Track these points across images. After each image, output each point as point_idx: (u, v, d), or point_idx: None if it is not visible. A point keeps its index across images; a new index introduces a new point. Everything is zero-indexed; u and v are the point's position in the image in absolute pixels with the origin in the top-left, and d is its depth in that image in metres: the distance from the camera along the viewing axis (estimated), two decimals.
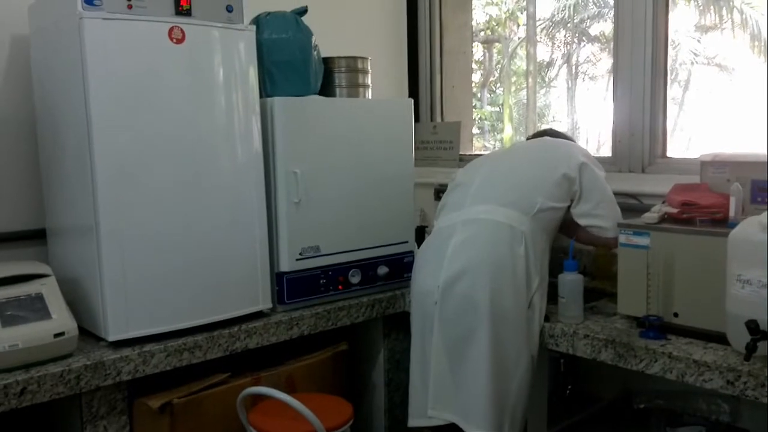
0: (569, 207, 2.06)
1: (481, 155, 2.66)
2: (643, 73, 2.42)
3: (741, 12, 10.08)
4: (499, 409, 1.88)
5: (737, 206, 1.76)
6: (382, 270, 2.39)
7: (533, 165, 2.10)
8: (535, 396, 2.16)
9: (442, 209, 2.17)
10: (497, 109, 12.01)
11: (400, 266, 2.42)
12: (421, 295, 2.03)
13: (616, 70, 2.53)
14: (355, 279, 2.33)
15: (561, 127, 11.58)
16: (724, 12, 10.25)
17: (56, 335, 1.72)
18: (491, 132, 11.28)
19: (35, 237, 2.17)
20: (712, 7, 10.32)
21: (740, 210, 1.76)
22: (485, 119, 11.36)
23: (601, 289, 2.26)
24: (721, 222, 1.78)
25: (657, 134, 2.44)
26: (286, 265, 2.18)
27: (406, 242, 2.45)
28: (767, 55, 9.33)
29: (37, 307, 1.75)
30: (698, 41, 10.76)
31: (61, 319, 1.75)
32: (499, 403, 1.88)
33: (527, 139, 2.53)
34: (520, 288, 1.91)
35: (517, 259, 1.92)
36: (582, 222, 2.06)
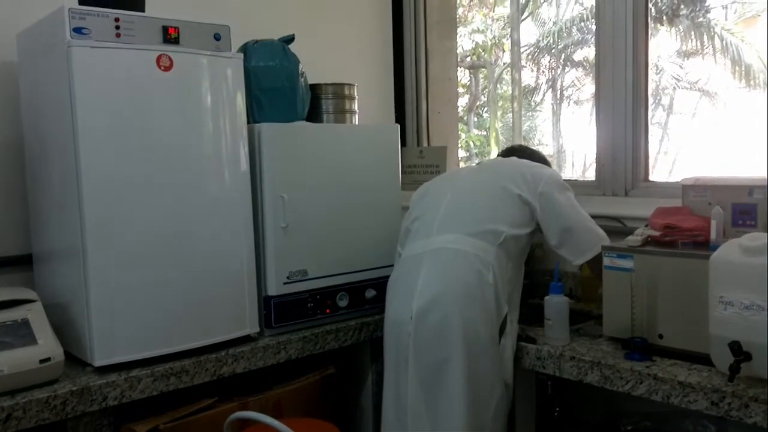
0: (533, 231, 2.08)
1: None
2: (624, 98, 2.47)
3: (721, 38, 10.26)
4: None
5: (718, 229, 1.79)
6: (370, 293, 2.40)
7: (495, 193, 2.08)
8: (522, 419, 2.16)
9: (407, 235, 2.17)
10: (484, 132, 12.11)
11: None
12: (395, 327, 2.02)
13: (598, 95, 2.58)
14: (342, 302, 2.34)
15: (547, 151, 11.72)
16: (705, 38, 10.43)
17: (42, 361, 1.71)
18: (479, 156, 11.36)
19: (22, 262, 2.17)
20: (693, 33, 10.50)
21: (721, 233, 1.79)
22: (474, 145, 11.45)
23: (587, 311, 2.28)
24: (702, 245, 1.81)
25: (639, 158, 2.48)
26: (273, 289, 2.18)
27: (393, 266, 2.46)
28: None
29: (22, 333, 1.74)
30: (681, 66, 10.94)
31: (47, 345, 1.75)
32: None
33: (498, 154, 2.53)
34: (491, 316, 1.93)
35: (486, 287, 1.93)
36: (557, 251, 2.08)
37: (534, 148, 2.62)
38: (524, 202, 2.05)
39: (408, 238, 2.15)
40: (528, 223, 2.06)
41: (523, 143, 11.68)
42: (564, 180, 2.16)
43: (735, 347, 1.54)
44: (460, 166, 3.57)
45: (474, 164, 2.65)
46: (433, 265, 1.99)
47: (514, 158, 2.30)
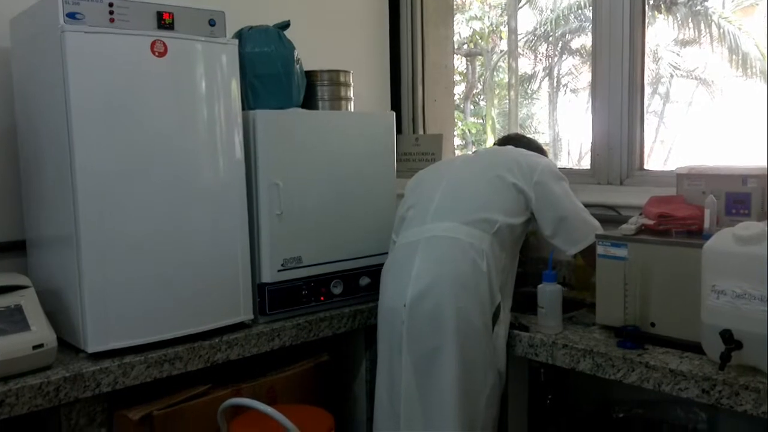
0: (528, 220, 2.08)
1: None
2: (620, 87, 2.46)
3: (719, 26, 10.24)
4: (469, 428, 1.90)
5: (712, 218, 1.79)
6: (364, 281, 2.40)
7: (490, 181, 2.08)
8: (515, 406, 2.18)
9: (401, 223, 2.17)
10: (481, 120, 12.10)
11: None
12: (389, 314, 2.03)
13: (594, 83, 2.57)
14: (336, 290, 2.34)
15: (543, 139, 11.70)
16: (702, 26, 10.41)
17: (35, 347, 1.71)
18: (475, 143, 11.36)
19: (15, 248, 2.16)
20: (690, 21, 10.48)
21: (715, 222, 1.79)
22: (471, 132, 11.43)
23: (580, 299, 2.28)
24: (696, 233, 1.81)
25: (635, 147, 2.48)
26: (267, 276, 2.18)
27: (388, 254, 2.46)
28: None
29: (16, 319, 1.74)
30: (678, 54, 10.93)
31: (40, 331, 1.74)
32: (468, 421, 1.90)
33: (494, 143, 2.54)
34: (485, 304, 1.93)
35: (480, 276, 1.94)
36: (551, 241, 2.09)
37: (530, 136, 2.62)
38: (519, 191, 2.05)
39: (402, 226, 2.15)
40: (522, 212, 2.06)
41: (519, 131, 11.69)
42: (559, 169, 2.16)
43: (726, 336, 1.55)
44: (456, 155, 3.56)
45: (470, 153, 2.66)
46: (427, 253, 2.00)
47: (510, 147, 2.30)
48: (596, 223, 2.08)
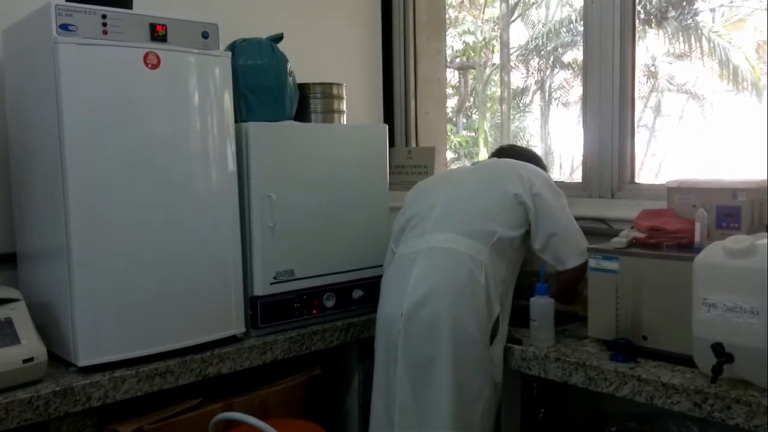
0: (527, 232, 2.09)
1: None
2: (611, 100, 2.47)
3: (709, 40, 10.32)
4: None
5: (702, 231, 1.80)
6: (357, 294, 2.40)
7: (490, 192, 2.10)
8: (508, 419, 2.17)
9: (401, 234, 2.17)
10: (473, 134, 12.14)
11: (375, 290, 2.41)
12: (386, 324, 2.03)
13: (585, 97, 2.59)
14: (329, 303, 2.33)
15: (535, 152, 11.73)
16: (692, 41, 10.49)
17: (25, 361, 1.70)
18: (467, 156, 11.39)
19: (5, 261, 2.15)
20: (681, 36, 10.56)
21: (705, 235, 1.80)
22: (463, 145, 11.47)
23: (573, 312, 2.28)
24: (687, 247, 1.82)
25: (626, 160, 2.49)
26: (260, 289, 2.18)
27: (381, 266, 2.46)
28: None
29: (5, 332, 1.73)
30: (670, 64, 11.00)
31: (30, 345, 1.73)
32: (463, 430, 1.89)
33: (491, 155, 2.55)
34: (482, 316, 1.93)
35: (478, 287, 1.94)
36: (540, 255, 2.10)
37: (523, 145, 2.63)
38: (520, 203, 2.05)
39: (402, 237, 2.16)
40: (522, 224, 2.07)
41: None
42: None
43: (718, 349, 1.55)
44: (450, 167, 3.57)
45: (469, 164, 2.66)
46: (425, 263, 2.00)
47: (510, 159, 2.31)
48: (585, 244, 2.08)
